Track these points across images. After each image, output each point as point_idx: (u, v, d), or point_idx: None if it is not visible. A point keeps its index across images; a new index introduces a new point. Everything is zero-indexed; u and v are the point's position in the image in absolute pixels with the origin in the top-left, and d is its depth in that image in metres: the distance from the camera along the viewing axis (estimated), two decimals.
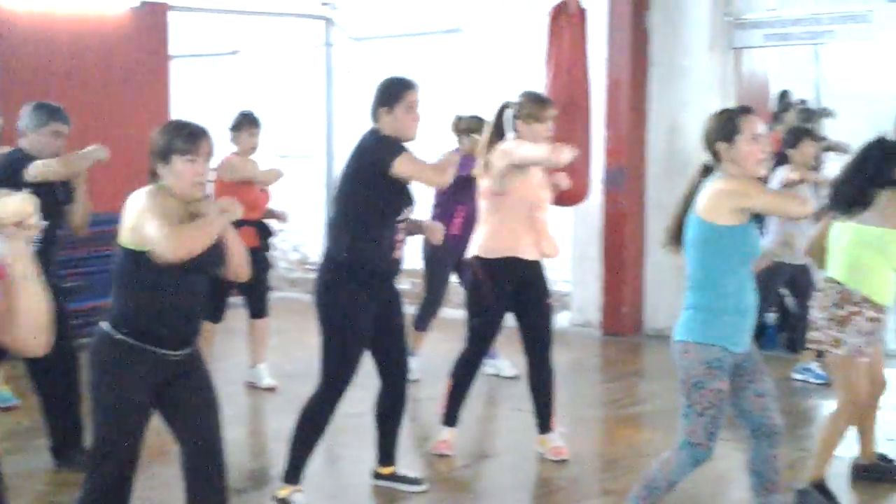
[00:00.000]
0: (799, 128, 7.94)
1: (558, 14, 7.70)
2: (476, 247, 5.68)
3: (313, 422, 4.93)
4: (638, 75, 8.81)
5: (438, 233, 5.27)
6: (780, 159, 7.51)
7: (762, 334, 7.99)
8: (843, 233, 4.97)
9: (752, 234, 4.06)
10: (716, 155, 4.08)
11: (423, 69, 9.82)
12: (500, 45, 9.47)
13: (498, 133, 5.63)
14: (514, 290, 5.61)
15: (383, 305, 4.95)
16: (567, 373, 7.74)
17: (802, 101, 11.91)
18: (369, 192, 4.78)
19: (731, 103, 8.64)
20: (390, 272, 4.96)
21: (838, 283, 4.94)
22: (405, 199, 4.88)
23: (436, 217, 7.17)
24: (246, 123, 7.19)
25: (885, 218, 4.84)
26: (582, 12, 7.74)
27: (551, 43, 7.69)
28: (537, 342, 5.72)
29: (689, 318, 4.07)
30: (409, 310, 7.68)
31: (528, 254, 5.58)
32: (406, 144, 4.85)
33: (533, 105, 5.56)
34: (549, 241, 5.66)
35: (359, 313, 4.85)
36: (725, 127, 4.05)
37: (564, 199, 7.49)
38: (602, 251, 8.98)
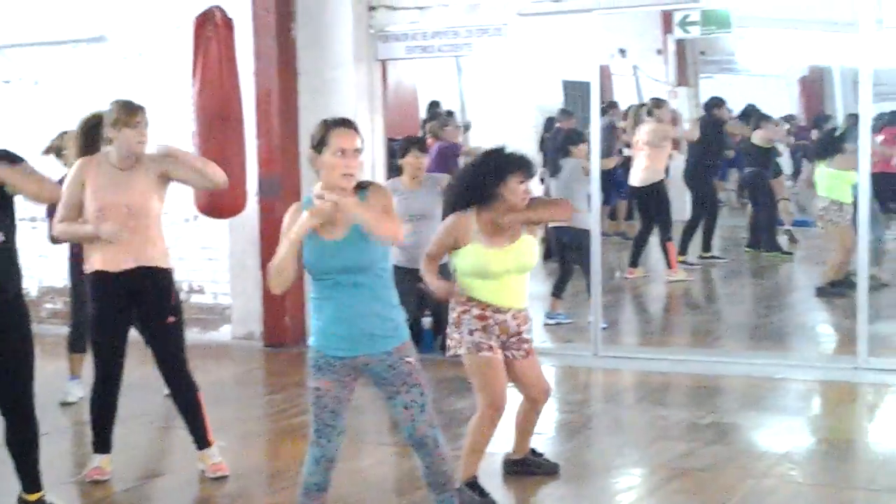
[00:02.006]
0: (410, 138, 8.27)
1: (204, 23, 7.61)
2: (87, 262, 5.54)
3: None
4: (287, 86, 8.86)
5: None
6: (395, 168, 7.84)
7: (419, 339, 8.29)
8: None
9: (308, 249, 4.15)
10: (312, 163, 4.21)
11: (64, 78, 9.47)
12: (146, 54, 9.25)
13: (87, 142, 5.58)
14: (130, 305, 5.49)
15: None
16: (230, 386, 7.69)
17: (449, 113, 12.49)
18: None
19: (378, 114, 8.93)
20: None
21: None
22: None
23: None
24: None
25: (483, 234, 5.04)
26: (228, 22, 7.68)
27: (197, 53, 7.59)
28: (166, 358, 5.62)
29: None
30: (64, 330, 7.42)
31: (127, 264, 5.44)
32: None
33: (122, 111, 5.47)
34: (157, 250, 5.55)
35: None
36: (317, 137, 4.18)
37: (221, 210, 7.47)
38: (260, 262, 8.95)
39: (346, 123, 4.22)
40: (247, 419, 6.97)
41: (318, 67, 8.87)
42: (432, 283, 5.14)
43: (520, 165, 5.08)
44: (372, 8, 8.88)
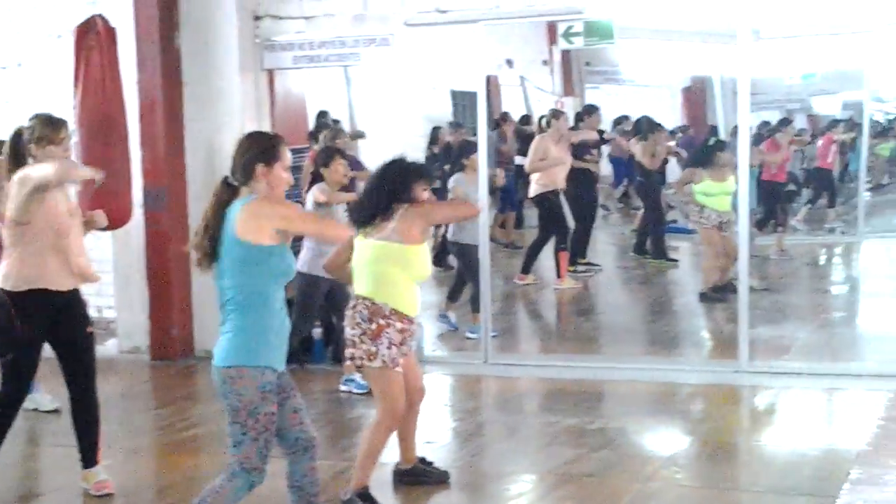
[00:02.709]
0: (330, 147, 8.25)
1: (85, 32, 7.46)
2: (1, 278, 5.37)
3: None
4: (172, 96, 8.72)
5: None
6: (316, 178, 7.77)
7: (309, 349, 8.24)
8: (366, 249, 5.19)
9: (289, 254, 4.17)
10: (250, 175, 4.12)
11: None
12: (25, 64, 9.03)
13: (15, 160, 5.39)
14: (48, 322, 5.37)
15: None
16: (116, 401, 7.53)
17: (336, 122, 12.45)
18: None
19: (266, 124, 8.84)
20: None
21: (367, 298, 5.16)
22: None
23: None
24: None
25: (400, 234, 5.12)
26: (110, 31, 7.55)
27: (79, 62, 7.43)
28: (79, 375, 5.51)
29: (234, 341, 4.05)
30: None
31: (59, 284, 5.37)
32: None
33: (45, 127, 5.36)
34: (82, 268, 5.46)
35: None
36: (268, 150, 4.13)
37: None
38: (146, 274, 8.80)
39: (283, 138, 4.26)
40: (134, 434, 6.84)
41: (204, 77, 8.75)
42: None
43: (421, 173, 5.22)
44: (257, 17, 8.81)
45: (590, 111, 12.64)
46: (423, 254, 5.23)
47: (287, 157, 4.17)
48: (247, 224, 4.00)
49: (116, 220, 7.25)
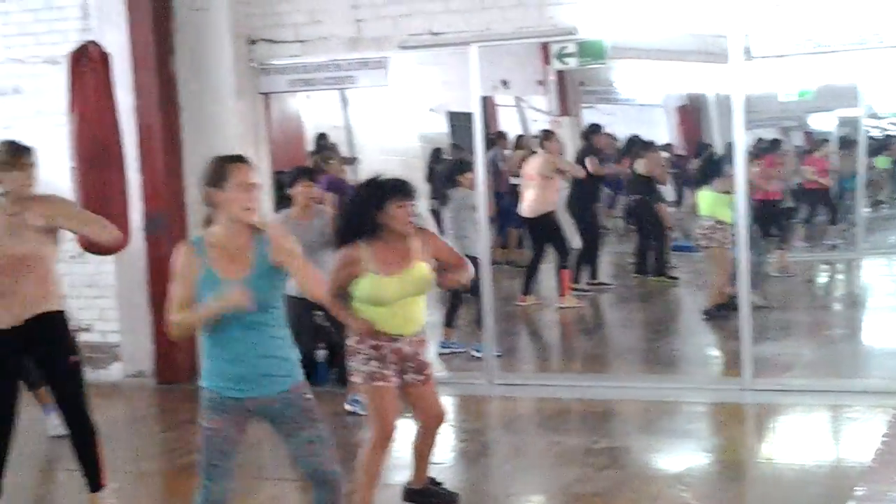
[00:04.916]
0: (297, 168, 8.18)
1: (79, 59, 7.45)
2: None
3: None
4: (169, 121, 8.72)
5: None
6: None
7: (313, 371, 8.19)
8: None
9: (230, 287, 4.03)
10: (208, 201, 4.15)
11: None
12: (22, 90, 9.03)
13: None
14: (24, 352, 5.33)
15: None
16: (122, 425, 7.53)
17: (332, 145, 12.44)
18: None
19: (263, 147, 8.85)
20: None
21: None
22: None
23: None
24: None
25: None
26: (104, 56, 7.54)
27: (74, 88, 7.42)
28: (67, 402, 5.49)
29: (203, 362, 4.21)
30: None
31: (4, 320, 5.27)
32: None
33: (8, 153, 5.33)
34: (51, 296, 5.38)
35: None
36: (215, 173, 4.13)
37: (105, 247, 7.27)
38: (149, 298, 8.77)
39: (241, 159, 4.21)
40: (139, 458, 6.83)
41: (200, 101, 8.76)
42: (347, 320, 5.12)
43: (395, 190, 5.08)
44: (252, 42, 8.82)
45: (594, 130, 12.62)
46: (397, 283, 5.06)
47: (239, 175, 4.09)
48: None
49: (116, 246, 7.22)
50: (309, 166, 8.31)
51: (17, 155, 5.33)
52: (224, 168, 4.12)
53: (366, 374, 5.09)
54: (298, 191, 7.56)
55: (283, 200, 8.05)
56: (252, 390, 4.13)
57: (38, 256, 5.31)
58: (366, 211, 5.07)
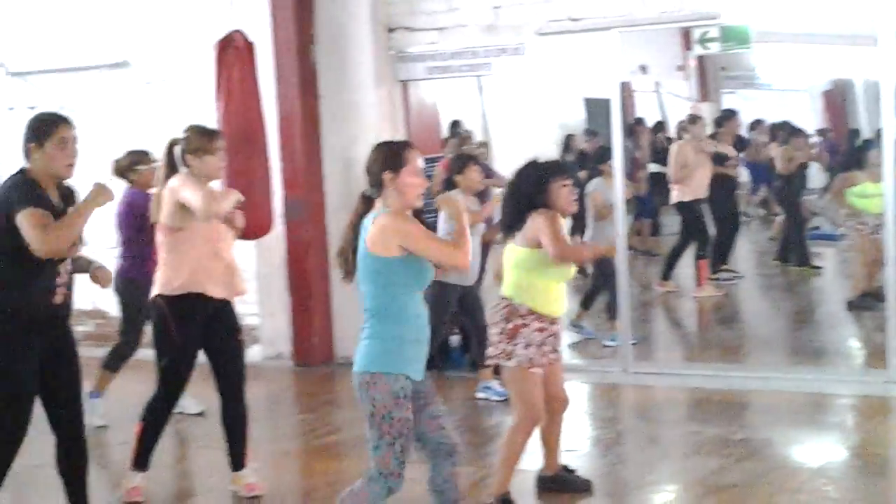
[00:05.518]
0: (463, 154, 8.26)
1: (225, 47, 7.65)
2: (158, 285, 5.54)
3: None
4: (309, 109, 8.88)
5: (104, 279, 4.94)
6: (448, 185, 7.78)
7: (447, 356, 8.27)
8: (509, 253, 5.29)
9: (420, 263, 4.13)
10: (379, 184, 4.18)
11: (89, 104, 9.54)
12: (169, 79, 9.31)
13: (170, 169, 5.56)
14: (202, 328, 5.51)
15: (50, 354, 4.67)
16: (261, 406, 7.70)
17: (467, 132, 12.49)
18: (5, 236, 4.51)
19: (400, 135, 8.93)
20: (52, 319, 4.67)
21: (507, 298, 5.21)
22: None
23: (128, 257, 6.97)
24: None
25: (526, 239, 5.17)
26: (249, 45, 7.72)
27: (220, 76, 7.63)
28: (230, 380, 5.64)
29: (371, 347, 4.12)
30: (96, 351, 7.43)
31: (212, 290, 5.50)
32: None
33: (200, 138, 5.51)
34: (234, 277, 5.60)
35: (15, 362, 4.57)
36: (393, 157, 4.16)
37: (248, 232, 7.46)
38: (288, 282, 8.98)
39: (413, 145, 4.28)
40: (279, 439, 6.99)
41: (340, 89, 8.89)
42: (593, 251, 5.56)
43: (557, 170, 5.25)
44: (391, 30, 8.91)
45: (728, 116, 12.39)
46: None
47: (415, 162, 4.17)
48: (374, 238, 4.08)
49: (258, 231, 7.41)
50: (469, 154, 8.32)
51: (208, 139, 5.51)
52: (403, 153, 4.17)
53: (524, 358, 5.12)
54: (470, 176, 7.59)
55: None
56: (423, 371, 4.20)
57: (225, 236, 5.61)
58: (532, 191, 5.14)
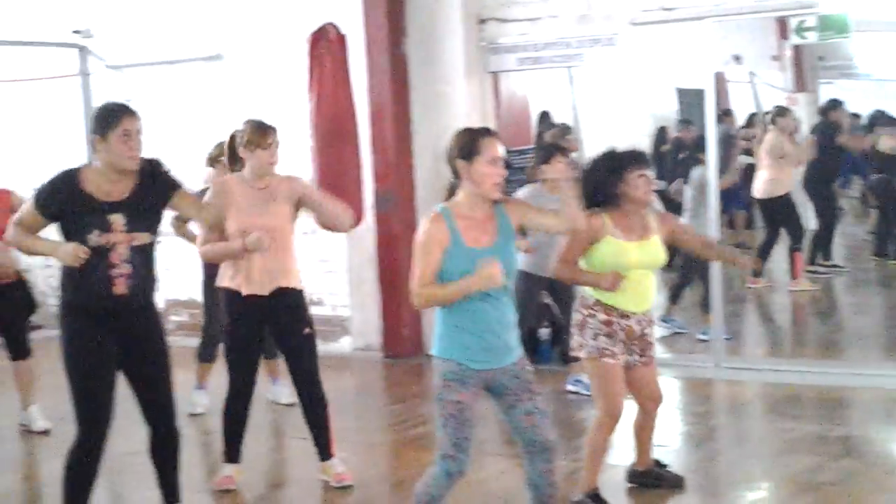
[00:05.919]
0: (550, 144, 8.19)
1: (318, 40, 7.73)
2: (219, 276, 5.67)
3: (76, 468, 4.73)
4: (399, 101, 8.90)
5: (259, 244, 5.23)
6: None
7: (536, 349, 8.23)
8: None
9: (466, 256, 4.08)
10: (456, 173, 4.17)
11: (184, 97, 9.71)
12: (262, 71, 9.41)
13: (233, 161, 5.68)
14: (256, 322, 5.60)
15: (130, 345, 4.70)
16: (352, 397, 7.77)
17: (565, 124, 12.39)
18: (62, 225, 4.60)
19: (490, 126, 8.88)
20: (121, 310, 4.64)
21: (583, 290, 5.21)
22: (91, 230, 4.51)
23: None
24: None
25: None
26: (341, 38, 7.79)
27: (313, 69, 7.71)
28: (299, 374, 5.70)
29: (435, 333, 4.23)
30: (189, 341, 7.57)
31: (258, 287, 5.55)
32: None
33: (254, 132, 5.56)
34: (291, 273, 5.66)
35: (81, 351, 4.63)
36: (466, 146, 4.14)
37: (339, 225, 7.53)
38: (378, 274, 9.03)
39: (491, 132, 4.23)
40: (369, 429, 7.03)
41: (430, 81, 8.91)
42: (589, 279, 5.07)
43: (634, 160, 5.10)
44: (482, 21, 8.90)
45: (834, 106, 12.08)
46: (636, 249, 5.04)
47: (491, 150, 4.12)
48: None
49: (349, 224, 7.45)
50: (557, 144, 8.26)
51: (262, 134, 5.57)
52: (477, 141, 4.14)
53: (594, 348, 5.07)
54: (558, 167, 7.51)
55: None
56: (491, 361, 4.18)
57: (281, 231, 5.56)
58: (606, 180, 5.06)
